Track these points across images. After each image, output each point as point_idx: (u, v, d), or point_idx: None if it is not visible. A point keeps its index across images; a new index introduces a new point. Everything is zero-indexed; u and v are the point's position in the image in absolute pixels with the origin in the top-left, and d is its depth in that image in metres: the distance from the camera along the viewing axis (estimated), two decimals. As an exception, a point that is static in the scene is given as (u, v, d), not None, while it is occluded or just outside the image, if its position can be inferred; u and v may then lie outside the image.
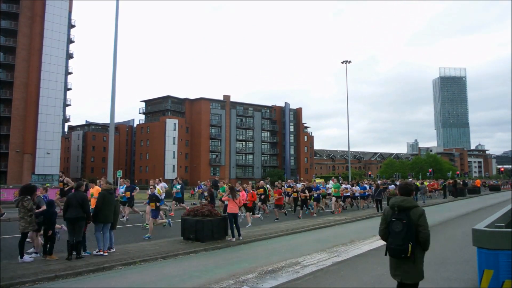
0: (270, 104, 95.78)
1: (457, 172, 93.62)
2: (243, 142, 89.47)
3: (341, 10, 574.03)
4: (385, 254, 4.60)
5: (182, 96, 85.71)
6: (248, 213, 14.99)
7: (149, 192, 12.93)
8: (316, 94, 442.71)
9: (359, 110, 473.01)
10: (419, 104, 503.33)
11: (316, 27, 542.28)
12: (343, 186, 22.90)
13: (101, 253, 8.91)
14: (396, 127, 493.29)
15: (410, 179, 43.09)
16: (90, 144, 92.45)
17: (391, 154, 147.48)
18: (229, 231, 11.50)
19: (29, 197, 8.47)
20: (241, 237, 11.53)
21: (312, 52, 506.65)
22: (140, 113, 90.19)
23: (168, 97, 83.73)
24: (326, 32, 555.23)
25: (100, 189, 10.67)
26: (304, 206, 18.86)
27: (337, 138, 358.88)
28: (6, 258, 8.48)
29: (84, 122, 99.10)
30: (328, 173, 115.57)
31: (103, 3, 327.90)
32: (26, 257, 8.31)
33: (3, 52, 57.20)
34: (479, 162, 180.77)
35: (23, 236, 8.37)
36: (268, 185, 21.10)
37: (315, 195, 19.46)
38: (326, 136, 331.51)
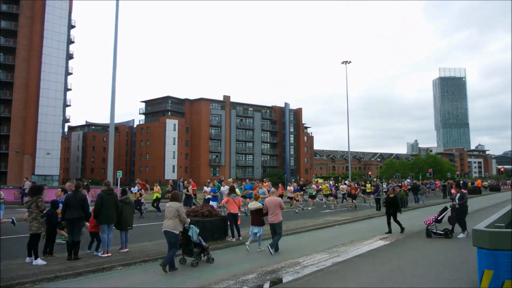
0: (270, 105, 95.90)
1: (457, 173, 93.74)
2: (243, 143, 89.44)
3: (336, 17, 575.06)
4: None
5: (182, 97, 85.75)
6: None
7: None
8: (310, 104, 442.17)
9: (343, 121, 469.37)
10: (397, 117, 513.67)
11: (315, 30, 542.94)
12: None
13: (106, 255, 8.91)
14: (382, 134, 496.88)
15: (408, 180, 43.18)
16: (90, 145, 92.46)
17: (391, 154, 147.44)
18: (229, 232, 11.50)
19: (42, 197, 8.41)
20: (241, 237, 11.52)
21: (308, 57, 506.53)
22: (140, 113, 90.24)
23: (168, 97, 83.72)
24: (323, 36, 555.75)
25: None
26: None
27: (332, 142, 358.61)
28: (6, 259, 8.47)
29: (84, 123, 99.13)
30: (328, 174, 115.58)
31: (103, 3, 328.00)
32: (39, 260, 8.09)
33: (3, 52, 57.21)
34: (479, 163, 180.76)
35: (36, 237, 8.11)
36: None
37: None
38: (320, 141, 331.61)
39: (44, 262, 8.10)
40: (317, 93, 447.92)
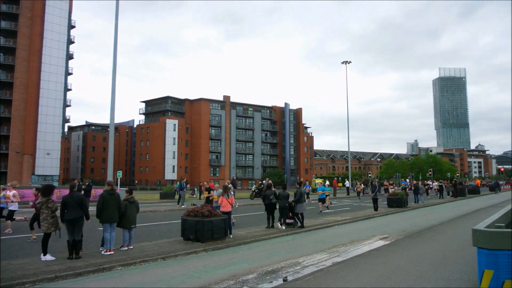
0: (270, 105, 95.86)
1: (457, 174, 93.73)
2: (243, 143, 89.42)
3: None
4: None
5: (182, 97, 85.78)
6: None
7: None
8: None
9: (334, 129, 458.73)
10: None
11: (315, 31, 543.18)
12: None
13: (109, 253, 9.15)
14: (370, 140, 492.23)
15: (408, 179, 43.21)
16: (90, 145, 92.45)
17: (391, 154, 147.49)
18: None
19: (52, 198, 8.80)
20: (231, 235, 11.68)
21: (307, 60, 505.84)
22: (140, 113, 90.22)
23: (168, 97, 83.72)
24: (323, 38, 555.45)
25: None
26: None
27: (332, 143, 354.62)
28: (6, 259, 8.47)
29: (84, 123, 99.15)
30: (328, 174, 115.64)
31: (103, 3, 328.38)
32: (48, 256, 8.50)
33: (3, 52, 57.24)
34: (479, 163, 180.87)
35: (47, 235, 8.58)
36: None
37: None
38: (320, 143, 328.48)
39: (53, 258, 8.48)
40: (310, 103, 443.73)
